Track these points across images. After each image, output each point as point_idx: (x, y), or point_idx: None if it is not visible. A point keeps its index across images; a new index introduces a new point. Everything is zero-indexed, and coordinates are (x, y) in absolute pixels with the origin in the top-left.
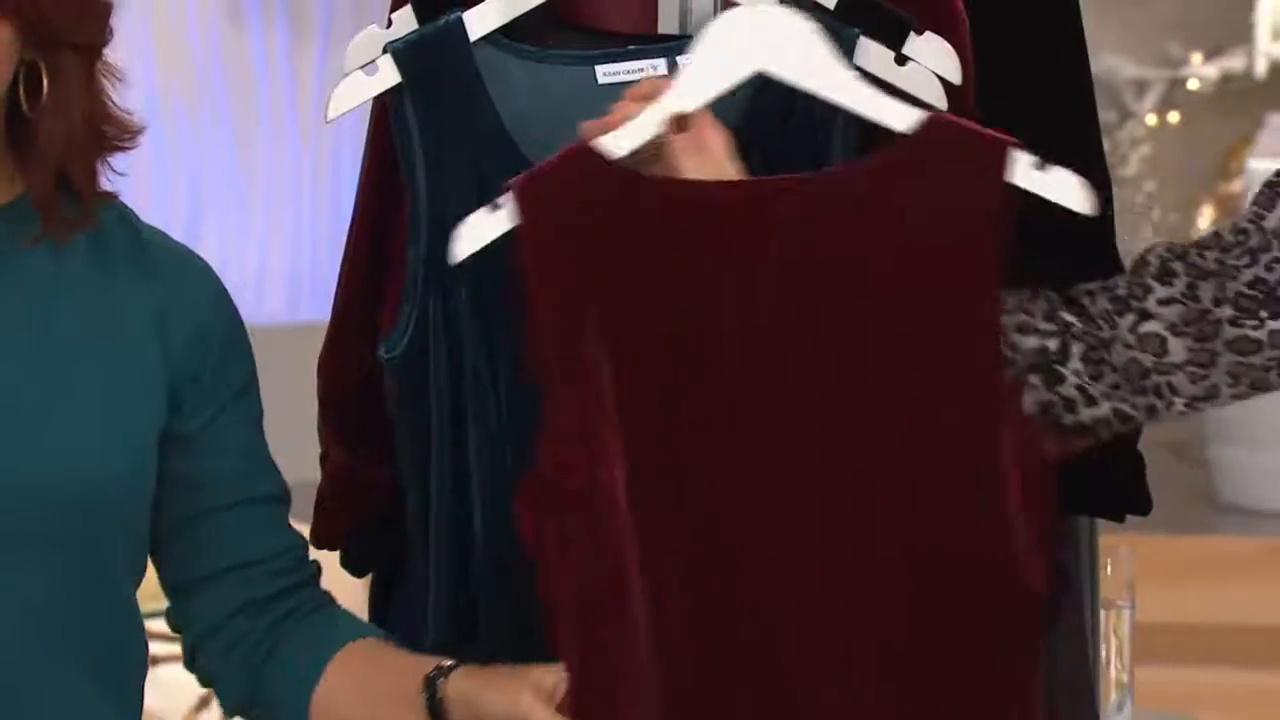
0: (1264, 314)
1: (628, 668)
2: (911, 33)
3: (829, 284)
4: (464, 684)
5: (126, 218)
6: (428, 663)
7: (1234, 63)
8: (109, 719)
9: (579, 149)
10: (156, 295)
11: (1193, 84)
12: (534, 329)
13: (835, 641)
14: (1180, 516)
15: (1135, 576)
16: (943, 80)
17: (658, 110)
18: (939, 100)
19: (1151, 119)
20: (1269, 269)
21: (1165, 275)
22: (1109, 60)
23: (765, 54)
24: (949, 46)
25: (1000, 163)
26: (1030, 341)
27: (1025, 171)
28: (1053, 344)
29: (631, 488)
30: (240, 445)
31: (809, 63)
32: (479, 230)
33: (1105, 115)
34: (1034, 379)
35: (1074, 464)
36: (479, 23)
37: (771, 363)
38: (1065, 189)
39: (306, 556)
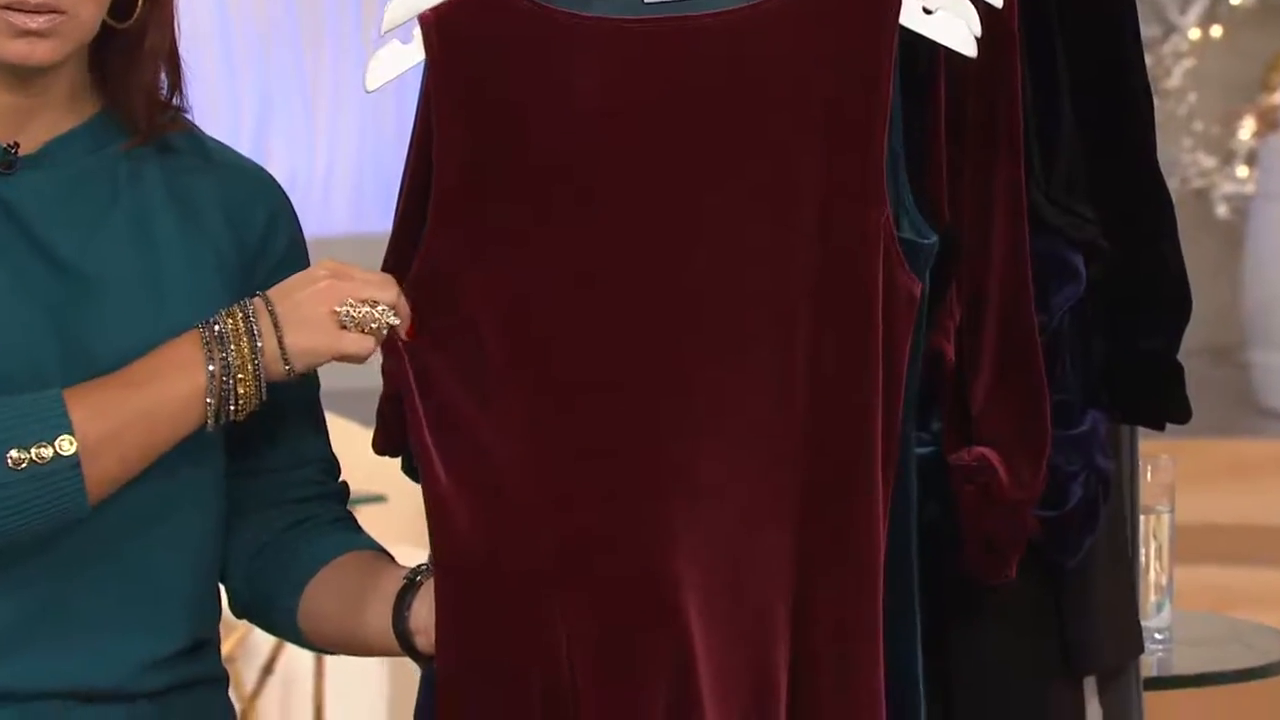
0: None
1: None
2: None
3: (719, 106)
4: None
5: (187, 128)
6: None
7: None
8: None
9: None
10: (224, 190)
11: None
12: (438, 161)
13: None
14: (1219, 420)
15: (1175, 482)
16: (985, 4)
17: None
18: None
19: (1194, 33)
20: None
21: None
22: None
23: None
24: None
25: (893, 4)
26: None
27: (914, 15)
28: None
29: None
30: None
31: None
32: (391, 62)
33: (1149, 29)
34: None
35: (1116, 375)
36: None
37: (653, 182)
38: (951, 32)
39: (334, 469)
